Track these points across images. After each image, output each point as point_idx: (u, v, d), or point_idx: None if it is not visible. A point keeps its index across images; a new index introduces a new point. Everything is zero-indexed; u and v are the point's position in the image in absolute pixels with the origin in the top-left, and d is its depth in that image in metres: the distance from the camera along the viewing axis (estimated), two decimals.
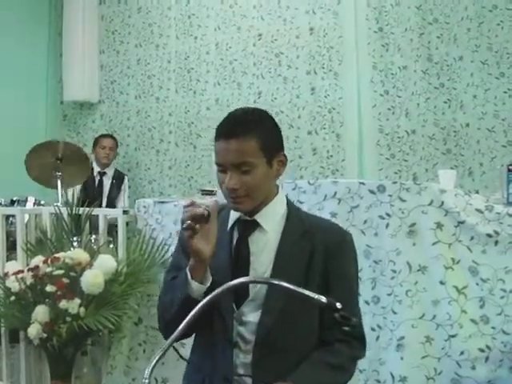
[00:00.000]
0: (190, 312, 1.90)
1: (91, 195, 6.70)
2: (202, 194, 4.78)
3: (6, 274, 4.32)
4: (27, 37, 7.90)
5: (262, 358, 2.26)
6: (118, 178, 7.25)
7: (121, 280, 4.17)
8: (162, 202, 4.40)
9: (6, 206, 5.81)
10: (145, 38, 7.58)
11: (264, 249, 2.32)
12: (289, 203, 2.41)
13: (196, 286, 2.18)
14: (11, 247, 4.83)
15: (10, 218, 5.20)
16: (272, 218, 2.34)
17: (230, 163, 2.22)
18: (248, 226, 2.34)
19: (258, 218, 2.32)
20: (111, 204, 7.03)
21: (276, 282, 2.09)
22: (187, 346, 2.42)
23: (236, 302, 2.29)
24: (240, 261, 2.32)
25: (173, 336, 1.91)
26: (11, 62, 7.67)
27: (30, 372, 4.60)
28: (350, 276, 2.39)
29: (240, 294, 2.28)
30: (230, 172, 2.22)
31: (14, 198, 5.92)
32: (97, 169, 7.16)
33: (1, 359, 4.73)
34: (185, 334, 2.40)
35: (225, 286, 2.01)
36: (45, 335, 4.03)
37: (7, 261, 4.67)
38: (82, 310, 3.99)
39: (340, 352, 2.31)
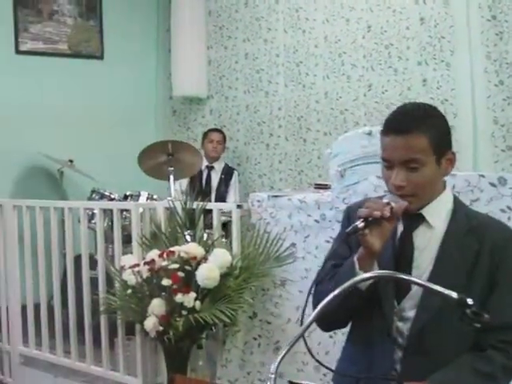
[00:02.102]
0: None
1: (199, 189, 6.78)
2: (315, 188, 4.75)
3: (122, 268, 4.38)
4: (136, 34, 8.06)
5: (411, 356, 2.23)
6: (227, 173, 7.31)
7: (236, 274, 4.16)
8: (276, 196, 4.37)
9: (119, 200, 5.93)
10: (252, 32, 7.59)
11: (428, 245, 2.27)
12: (455, 200, 2.35)
13: None
14: (124, 241, 4.89)
15: (124, 213, 5.29)
16: (438, 214, 2.29)
17: (397, 160, 2.18)
18: (413, 220, 2.30)
19: (425, 212, 2.28)
20: (220, 199, 7.08)
21: (406, 277, 2.05)
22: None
23: (397, 298, 2.27)
24: (403, 256, 2.29)
25: (302, 327, 1.89)
26: (121, 59, 7.84)
27: (146, 364, 4.66)
28: None
29: (401, 290, 2.26)
30: (397, 169, 2.19)
31: (128, 193, 6.04)
32: (205, 163, 7.21)
33: (117, 351, 4.81)
34: (339, 325, 2.42)
35: (352, 281, 1.98)
36: (161, 328, 4.06)
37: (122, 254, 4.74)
38: (198, 303, 4.00)
39: (493, 360, 2.20)
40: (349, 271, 2.20)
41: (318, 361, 2.22)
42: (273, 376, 1.80)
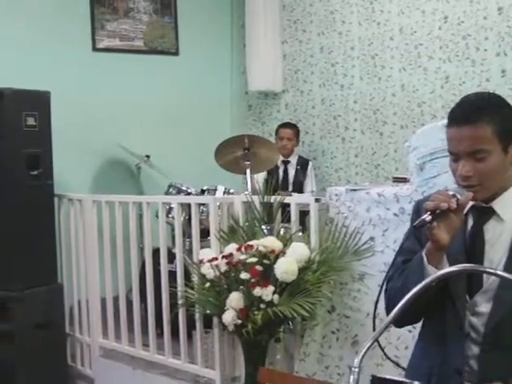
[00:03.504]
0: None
1: (277, 183, 6.77)
2: (394, 181, 4.71)
3: (200, 261, 4.40)
4: (211, 30, 8.10)
5: (488, 352, 2.18)
6: (302, 164, 7.28)
7: (314, 268, 4.15)
8: (354, 190, 4.35)
9: (196, 195, 5.97)
10: (327, 25, 7.55)
11: (499, 238, 2.23)
12: None
13: (432, 271, 2.12)
14: (201, 235, 4.92)
15: (200, 207, 5.32)
16: (510, 206, 2.24)
17: (463, 151, 2.16)
18: (483, 213, 2.26)
19: (495, 205, 2.24)
20: (299, 190, 7.07)
21: (491, 271, 2.01)
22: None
23: (469, 292, 2.23)
24: (474, 250, 2.25)
25: (384, 323, 1.87)
26: (196, 54, 7.88)
27: (224, 357, 4.68)
28: None
29: (473, 284, 2.22)
30: (463, 160, 2.16)
31: (204, 188, 6.07)
32: (281, 158, 7.19)
33: (195, 344, 4.84)
34: (411, 321, 2.39)
35: (435, 275, 1.95)
36: (239, 321, 4.07)
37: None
38: (276, 297, 4.00)
39: None
40: (418, 266, 2.19)
41: (389, 358, 2.21)
42: (356, 370, 1.79)
